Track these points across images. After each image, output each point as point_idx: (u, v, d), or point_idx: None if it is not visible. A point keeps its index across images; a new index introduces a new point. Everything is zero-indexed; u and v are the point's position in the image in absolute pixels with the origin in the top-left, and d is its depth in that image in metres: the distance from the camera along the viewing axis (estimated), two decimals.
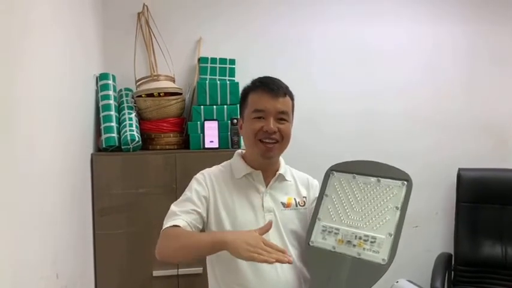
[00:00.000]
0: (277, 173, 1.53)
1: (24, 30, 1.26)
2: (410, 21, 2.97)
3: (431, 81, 3.01)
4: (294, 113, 1.54)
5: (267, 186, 1.51)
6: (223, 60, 2.62)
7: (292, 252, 1.47)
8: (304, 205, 1.53)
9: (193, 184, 1.49)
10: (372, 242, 1.32)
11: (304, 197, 1.55)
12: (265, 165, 1.51)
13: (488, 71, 3.06)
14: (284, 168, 1.56)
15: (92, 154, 2.20)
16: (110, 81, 2.37)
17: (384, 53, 2.94)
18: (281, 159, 1.58)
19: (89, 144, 2.20)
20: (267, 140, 1.44)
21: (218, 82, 2.51)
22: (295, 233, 1.49)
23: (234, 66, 2.63)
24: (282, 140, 1.46)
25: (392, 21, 2.95)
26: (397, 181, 1.38)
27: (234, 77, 2.61)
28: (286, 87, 1.50)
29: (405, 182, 1.37)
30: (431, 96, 3.01)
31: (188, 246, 1.31)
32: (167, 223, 1.38)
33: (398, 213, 1.33)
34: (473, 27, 3.04)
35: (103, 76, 2.37)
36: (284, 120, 1.46)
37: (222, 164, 1.59)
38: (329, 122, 2.88)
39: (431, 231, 3.04)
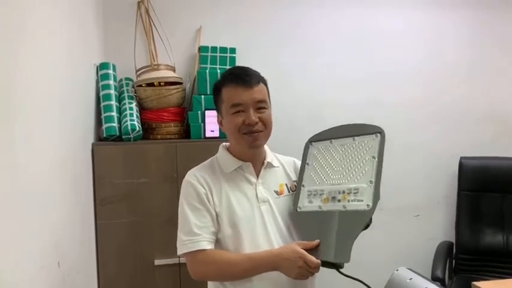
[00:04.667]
0: (265, 161, 1.53)
1: (24, 20, 1.25)
2: (412, 9, 2.95)
3: (433, 70, 3.00)
4: (271, 98, 1.52)
5: (257, 177, 1.51)
6: (223, 49, 2.61)
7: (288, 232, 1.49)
8: (295, 189, 1.55)
9: (190, 188, 1.46)
10: (355, 192, 1.37)
11: (294, 181, 1.57)
12: (253, 156, 1.51)
13: (491, 59, 3.05)
14: (270, 156, 1.57)
15: (92, 144, 2.20)
16: (110, 71, 2.36)
17: (386, 41, 2.92)
18: (266, 147, 1.58)
19: (90, 134, 2.20)
20: (250, 133, 1.44)
21: (219, 71, 2.50)
22: (291, 217, 1.51)
23: (234, 55, 2.62)
24: (265, 128, 1.46)
25: (394, 8, 2.92)
26: (371, 135, 1.43)
27: (234, 65, 2.59)
28: (259, 74, 1.48)
29: (378, 134, 1.42)
30: (433, 85, 3.00)
31: (239, 276, 1.40)
32: (191, 245, 1.39)
33: (375, 161, 1.38)
34: (475, 14, 3.01)
35: (103, 65, 2.36)
36: (263, 108, 1.45)
37: (207, 161, 1.56)
38: (330, 110, 2.86)
39: (433, 220, 3.05)
